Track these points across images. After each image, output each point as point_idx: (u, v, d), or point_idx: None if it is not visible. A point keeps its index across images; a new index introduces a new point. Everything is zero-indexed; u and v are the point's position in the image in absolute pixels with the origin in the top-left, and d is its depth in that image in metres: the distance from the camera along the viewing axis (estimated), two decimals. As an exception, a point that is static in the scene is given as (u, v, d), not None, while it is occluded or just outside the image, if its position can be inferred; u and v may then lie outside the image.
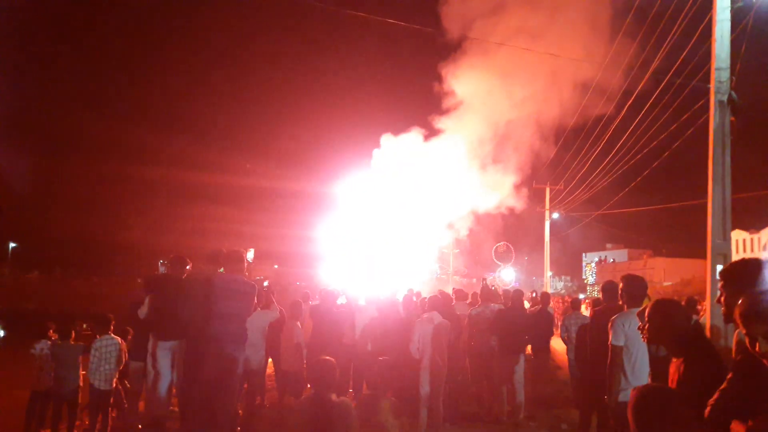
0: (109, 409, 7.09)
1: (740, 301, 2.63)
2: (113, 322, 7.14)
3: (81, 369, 7.16)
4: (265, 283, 12.33)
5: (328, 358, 4.41)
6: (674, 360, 3.05)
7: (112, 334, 7.04)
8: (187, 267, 6.59)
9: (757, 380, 2.35)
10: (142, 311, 6.91)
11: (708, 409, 2.47)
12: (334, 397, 4.15)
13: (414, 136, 19.71)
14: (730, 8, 9.60)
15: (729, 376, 2.52)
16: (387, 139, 19.90)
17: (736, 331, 2.78)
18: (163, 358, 6.64)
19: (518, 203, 21.20)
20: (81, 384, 7.12)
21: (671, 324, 3.09)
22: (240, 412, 7.16)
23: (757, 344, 2.34)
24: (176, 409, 7.16)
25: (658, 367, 3.53)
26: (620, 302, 5.14)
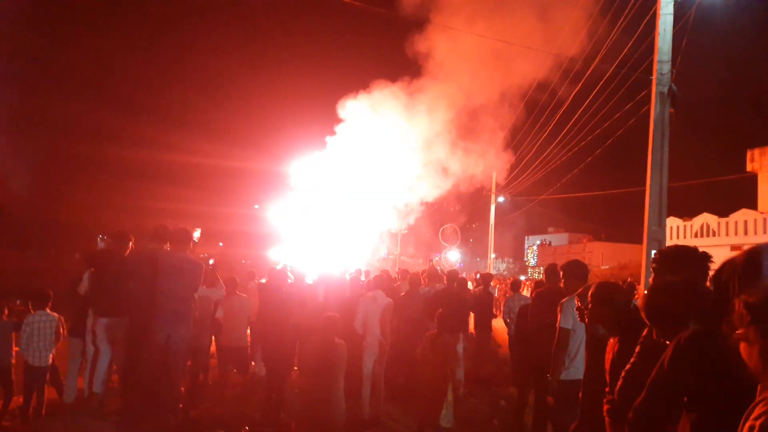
0: (45, 386, 6.87)
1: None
2: (51, 298, 6.90)
3: (14, 346, 6.90)
4: (211, 261, 12.15)
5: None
6: (611, 339, 3.21)
7: (49, 310, 6.80)
8: (130, 244, 6.43)
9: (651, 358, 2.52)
10: (82, 287, 6.72)
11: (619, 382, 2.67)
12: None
13: (363, 117, 19.64)
14: (673, 3, 9.93)
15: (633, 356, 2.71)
16: (341, 113, 19.78)
17: None
18: (103, 334, 6.50)
19: (465, 187, 21.50)
20: (14, 361, 6.86)
21: (612, 306, 3.25)
22: (182, 389, 7.09)
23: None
24: (116, 385, 7.03)
25: (594, 347, 3.69)
26: (561, 285, 5.33)
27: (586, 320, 3.46)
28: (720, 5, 10.37)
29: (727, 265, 2.19)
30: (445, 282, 10.05)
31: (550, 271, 6.25)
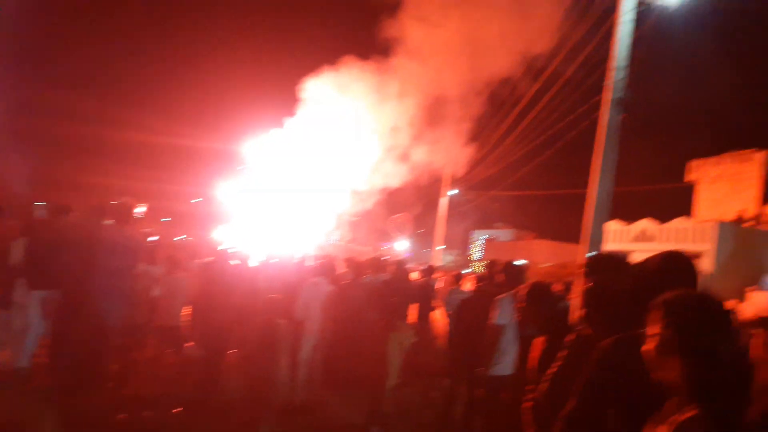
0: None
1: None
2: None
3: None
4: (152, 238, 11.86)
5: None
6: (539, 338, 3.33)
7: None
8: (71, 215, 6.23)
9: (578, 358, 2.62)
10: (14, 257, 6.47)
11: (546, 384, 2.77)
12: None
13: (319, 100, 19.51)
14: (633, 11, 10.16)
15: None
16: (297, 95, 19.60)
17: None
18: (34, 308, 6.29)
19: (419, 177, 21.65)
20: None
21: (541, 306, 3.37)
22: (114, 367, 6.94)
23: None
24: (44, 360, 6.82)
25: (524, 345, 3.81)
26: (500, 282, 5.46)
27: (518, 318, 3.58)
28: (677, 18, 10.69)
29: (639, 270, 2.28)
30: (391, 271, 10.13)
31: (490, 267, 6.39)
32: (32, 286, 6.11)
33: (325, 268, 7.96)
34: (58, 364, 5.58)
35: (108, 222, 5.74)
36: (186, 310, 8.11)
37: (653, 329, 1.72)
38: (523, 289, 3.58)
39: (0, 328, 6.72)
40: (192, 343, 9.06)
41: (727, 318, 1.69)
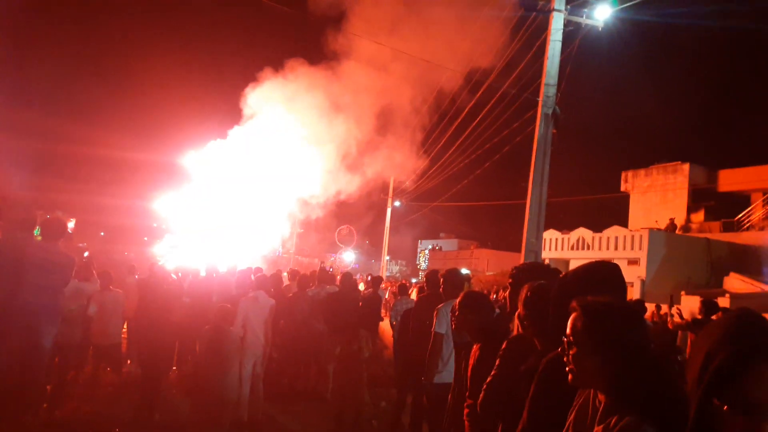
0: None
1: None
2: None
3: None
4: (85, 254, 11.46)
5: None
6: (474, 346, 3.42)
7: None
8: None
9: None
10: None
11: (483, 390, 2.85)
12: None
13: (263, 110, 19.40)
14: (561, 31, 10.64)
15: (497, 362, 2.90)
16: (240, 105, 19.42)
17: None
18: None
19: (362, 190, 21.76)
20: None
21: (475, 314, 3.46)
22: (48, 387, 6.67)
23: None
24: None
25: (460, 352, 3.89)
26: (441, 291, 5.55)
27: (453, 326, 3.65)
28: (603, 36, 11.24)
29: (564, 279, 2.38)
30: (337, 283, 10.13)
31: (430, 277, 6.48)
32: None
33: (264, 281, 7.89)
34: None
35: (36, 238, 5.54)
36: (124, 328, 7.89)
37: (571, 333, 1.84)
38: (458, 298, 3.66)
39: None
40: (130, 362, 8.82)
41: (636, 316, 1.84)
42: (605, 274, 2.34)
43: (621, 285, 2.37)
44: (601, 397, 1.76)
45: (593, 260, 2.52)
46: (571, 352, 1.81)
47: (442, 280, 5.41)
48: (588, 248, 23.70)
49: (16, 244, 5.22)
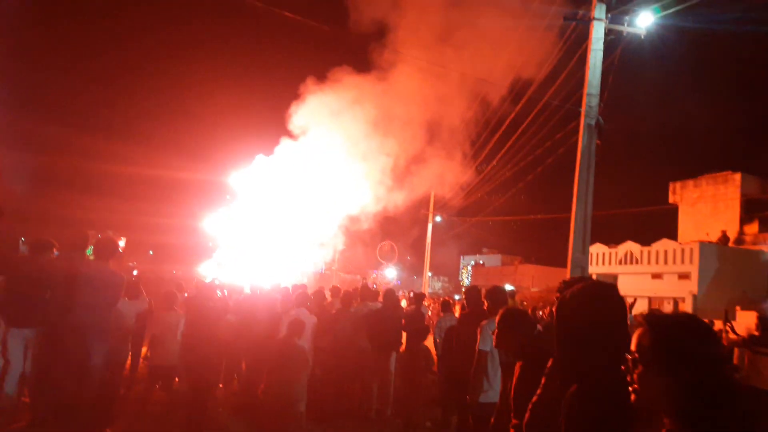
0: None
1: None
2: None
3: None
4: (134, 272, 11.75)
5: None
6: (517, 363, 3.34)
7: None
8: (54, 252, 6.16)
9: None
10: (-5, 295, 6.38)
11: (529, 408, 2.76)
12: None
13: (306, 132, 19.65)
14: (603, 40, 10.47)
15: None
16: (285, 126, 19.74)
17: None
18: (16, 346, 6.17)
19: (403, 205, 21.75)
20: None
21: (515, 331, 3.38)
22: (101, 405, 6.80)
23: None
24: (27, 399, 6.68)
25: (505, 371, 3.80)
26: (485, 307, 5.46)
27: (494, 344, 3.58)
28: (646, 45, 11.01)
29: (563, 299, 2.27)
30: (380, 300, 10.12)
31: (470, 293, 6.40)
32: (12, 324, 6.01)
33: (305, 298, 7.92)
34: (39, 403, 5.48)
35: (88, 257, 5.70)
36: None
37: (636, 350, 1.70)
38: (497, 316, 3.59)
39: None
40: (177, 380, 8.95)
41: (711, 332, 1.68)
42: (603, 294, 2.23)
43: (621, 306, 2.26)
44: (666, 420, 1.63)
45: (591, 281, 2.42)
46: (636, 371, 1.67)
47: (485, 296, 5.33)
48: (636, 262, 23.08)
49: (68, 263, 5.39)
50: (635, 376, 1.68)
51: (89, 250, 6.02)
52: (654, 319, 1.71)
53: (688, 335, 1.64)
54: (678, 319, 1.70)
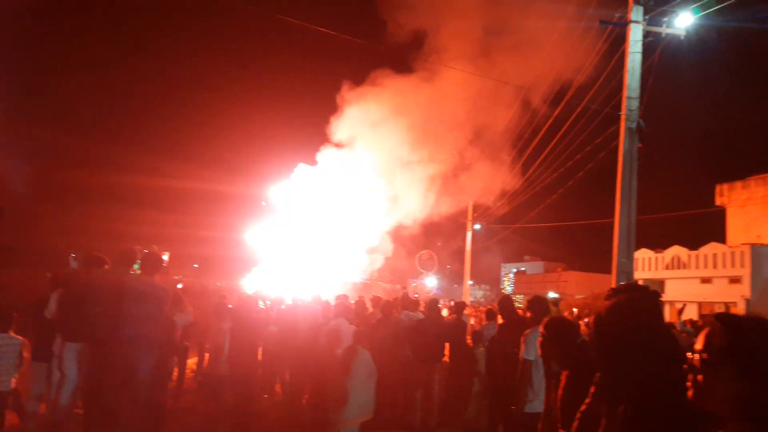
0: (6, 411, 6.73)
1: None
2: (16, 321, 6.79)
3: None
4: (179, 285, 12.02)
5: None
6: (563, 372, 3.29)
7: (12, 333, 6.69)
8: (106, 267, 6.36)
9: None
10: (50, 310, 6.61)
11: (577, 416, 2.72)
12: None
13: (337, 148, 19.84)
14: (641, 42, 10.28)
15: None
16: (322, 138, 19.97)
17: None
18: (71, 360, 6.39)
19: (443, 214, 21.68)
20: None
21: (559, 341, 3.33)
22: (149, 416, 6.96)
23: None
24: (81, 411, 6.89)
25: (551, 381, 3.75)
26: (528, 316, 5.41)
27: (540, 353, 3.53)
28: (686, 45, 10.77)
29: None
30: (422, 309, 10.10)
31: (504, 303, 6.39)
32: (67, 338, 6.21)
33: (345, 309, 7.98)
34: (90, 415, 5.64)
35: (134, 271, 5.86)
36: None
37: (705, 350, 1.59)
38: (542, 325, 3.55)
39: (39, 380, 6.85)
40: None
41: None
42: (638, 306, 2.15)
43: (659, 316, 2.18)
44: (729, 425, 1.54)
45: (635, 289, 2.34)
46: (702, 374, 1.57)
47: (527, 307, 5.28)
48: (684, 267, 22.44)
49: (117, 277, 5.56)
50: (699, 377, 1.59)
51: (136, 265, 6.20)
52: (728, 318, 1.60)
53: (764, 339, 1.52)
54: (756, 320, 1.58)
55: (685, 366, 1.66)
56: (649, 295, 2.19)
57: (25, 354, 6.72)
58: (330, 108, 19.85)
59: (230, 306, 9.48)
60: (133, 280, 5.55)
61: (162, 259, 6.18)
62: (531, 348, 4.90)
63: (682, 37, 10.68)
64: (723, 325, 1.59)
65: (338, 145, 19.78)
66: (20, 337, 6.72)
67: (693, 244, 22.55)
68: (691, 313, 20.45)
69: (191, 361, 10.12)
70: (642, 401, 1.95)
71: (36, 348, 6.80)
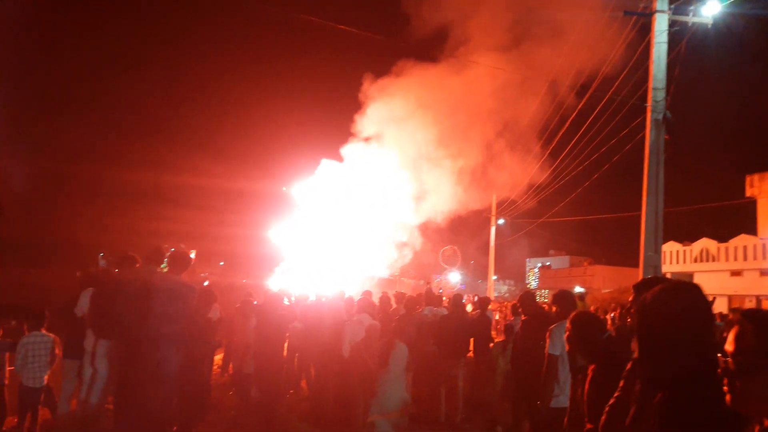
0: (39, 407, 6.89)
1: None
2: (48, 319, 6.95)
3: (8, 366, 6.94)
4: (206, 283, 12.16)
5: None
6: (590, 367, 3.26)
7: (45, 331, 6.84)
8: (136, 266, 6.46)
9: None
10: (80, 308, 6.75)
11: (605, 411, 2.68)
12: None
13: (361, 143, 19.84)
14: (666, 32, 10.10)
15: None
16: (341, 141, 19.99)
17: None
18: (103, 356, 6.51)
19: (466, 208, 21.57)
20: (8, 382, 6.89)
21: (585, 336, 3.30)
22: (178, 411, 7.07)
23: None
24: (112, 407, 7.02)
25: (576, 375, 3.72)
26: (553, 311, 5.36)
27: (567, 348, 3.50)
28: (713, 34, 10.54)
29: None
30: (446, 305, 10.09)
31: (525, 300, 6.37)
32: (101, 336, 6.34)
33: (367, 304, 8.00)
34: (120, 411, 5.75)
35: (162, 269, 5.96)
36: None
37: (739, 352, 1.55)
38: (568, 320, 3.52)
39: (68, 376, 7.00)
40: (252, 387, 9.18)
41: None
42: (686, 294, 2.09)
43: (707, 306, 2.12)
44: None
45: (670, 281, 2.27)
46: (738, 377, 1.54)
47: (552, 301, 5.23)
48: (713, 260, 22.03)
49: (142, 275, 5.65)
50: (735, 378, 1.55)
51: (164, 264, 6.30)
52: (757, 317, 1.56)
53: None
54: None
55: (719, 369, 1.62)
56: (693, 286, 2.13)
57: (57, 351, 6.87)
58: (354, 103, 19.87)
59: (255, 302, 9.58)
60: (161, 279, 5.64)
61: (189, 258, 6.26)
62: (557, 343, 4.86)
63: (709, 26, 10.45)
64: (753, 324, 1.54)
65: (363, 139, 19.78)
66: (52, 335, 6.87)
67: (722, 237, 22.14)
68: (720, 307, 20.10)
69: (218, 358, 10.24)
70: (684, 395, 1.90)
71: (67, 345, 6.95)
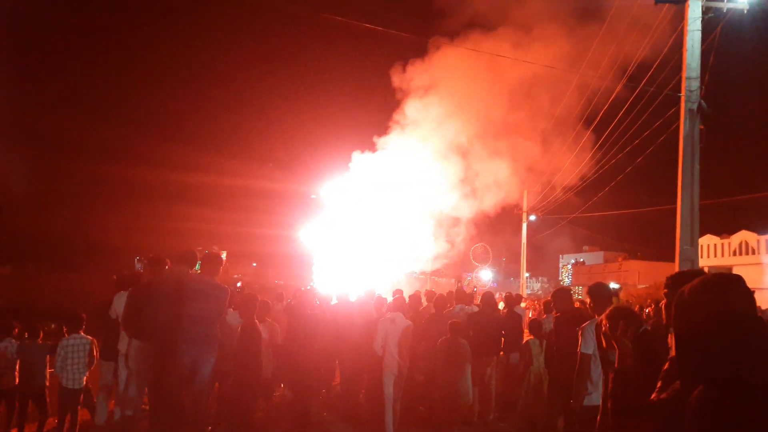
0: (79, 408, 7.05)
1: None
2: (85, 321, 7.10)
3: (48, 368, 7.13)
4: (238, 284, 12.29)
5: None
6: (623, 363, 3.18)
7: (83, 333, 7.00)
8: (166, 267, 6.56)
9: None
10: (114, 310, 6.88)
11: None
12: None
13: (392, 138, 19.79)
14: (700, 19, 9.83)
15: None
16: (368, 140, 19.98)
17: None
18: (138, 357, 6.62)
19: (501, 203, 21.39)
20: (48, 384, 7.07)
21: (621, 331, 3.21)
22: (211, 413, 7.15)
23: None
24: (147, 407, 7.14)
25: (608, 371, 3.62)
26: (588, 307, 5.26)
27: (604, 345, 3.41)
28: (749, 20, 10.22)
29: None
30: (477, 303, 9.99)
31: (559, 296, 6.26)
32: (136, 337, 6.45)
33: (401, 303, 7.97)
34: (155, 411, 5.84)
35: (194, 271, 6.02)
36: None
37: None
38: (604, 315, 3.43)
39: (105, 378, 7.15)
40: (282, 386, 9.25)
41: None
42: (727, 285, 1.98)
43: (749, 297, 2.01)
44: None
45: (713, 273, 2.16)
46: None
47: (587, 293, 5.12)
48: (753, 252, 21.41)
49: (175, 277, 5.72)
50: None
51: (197, 266, 6.37)
52: None
53: None
54: None
55: None
56: (735, 277, 2.03)
57: (95, 353, 7.02)
58: (381, 100, 19.89)
59: (288, 302, 9.63)
60: (193, 281, 5.70)
61: (221, 259, 6.33)
62: (589, 341, 4.77)
63: (744, 12, 10.14)
64: None
65: (396, 131, 19.72)
66: (90, 337, 7.03)
67: (762, 229, 21.45)
68: (760, 302, 19.49)
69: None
70: (727, 389, 1.81)
71: (103, 347, 7.09)
